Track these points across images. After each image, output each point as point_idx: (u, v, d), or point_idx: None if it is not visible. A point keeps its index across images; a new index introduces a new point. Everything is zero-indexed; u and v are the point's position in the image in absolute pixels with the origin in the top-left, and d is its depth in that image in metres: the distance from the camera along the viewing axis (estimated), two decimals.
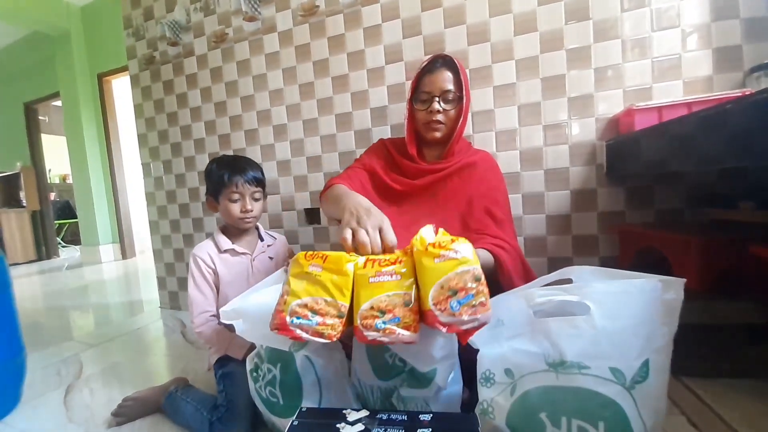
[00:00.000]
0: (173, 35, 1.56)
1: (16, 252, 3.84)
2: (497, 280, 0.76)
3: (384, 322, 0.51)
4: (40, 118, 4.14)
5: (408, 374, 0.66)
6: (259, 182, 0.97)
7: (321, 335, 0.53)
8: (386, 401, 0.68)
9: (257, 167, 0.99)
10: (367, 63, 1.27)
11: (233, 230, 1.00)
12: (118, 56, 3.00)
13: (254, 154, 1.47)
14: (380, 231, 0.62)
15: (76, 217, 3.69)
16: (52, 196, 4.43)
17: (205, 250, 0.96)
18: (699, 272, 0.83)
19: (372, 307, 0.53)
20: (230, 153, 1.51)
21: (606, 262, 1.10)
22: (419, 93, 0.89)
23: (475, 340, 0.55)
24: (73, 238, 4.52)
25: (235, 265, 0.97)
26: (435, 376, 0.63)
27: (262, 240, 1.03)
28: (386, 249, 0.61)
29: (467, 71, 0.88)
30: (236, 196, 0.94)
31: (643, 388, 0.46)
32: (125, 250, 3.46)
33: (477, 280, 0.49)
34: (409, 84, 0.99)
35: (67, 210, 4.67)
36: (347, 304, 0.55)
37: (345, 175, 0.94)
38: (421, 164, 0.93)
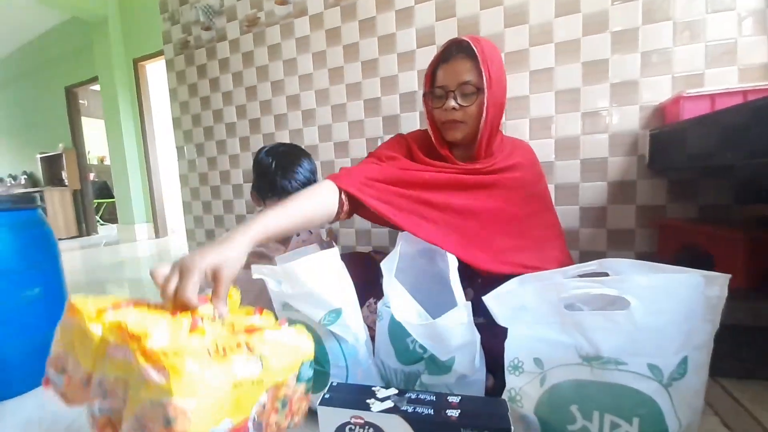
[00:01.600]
0: (207, 19, 1.58)
1: (59, 228, 4.12)
2: None
3: None
4: (80, 101, 4.35)
5: (428, 360, 0.66)
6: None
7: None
8: (409, 385, 0.69)
9: (310, 167, 0.91)
10: (397, 47, 1.25)
11: None
12: (153, 42, 3.09)
13: (283, 139, 1.49)
14: (214, 274, 0.46)
15: (113, 197, 3.90)
16: (91, 176, 4.69)
17: None
18: (746, 271, 0.78)
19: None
20: (260, 138, 1.54)
21: (642, 258, 1.04)
22: (434, 88, 0.77)
23: (497, 314, 0.54)
24: (110, 217, 4.79)
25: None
26: (454, 364, 0.63)
27: (297, 234, 1.04)
28: (177, 305, 0.44)
29: (502, 55, 0.80)
30: None
31: (681, 386, 0.45)
32: (158, 229, 3.64)
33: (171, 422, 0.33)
34: None
35: (104, 190, 4.95)
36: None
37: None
38: (458, 165, 0.79)
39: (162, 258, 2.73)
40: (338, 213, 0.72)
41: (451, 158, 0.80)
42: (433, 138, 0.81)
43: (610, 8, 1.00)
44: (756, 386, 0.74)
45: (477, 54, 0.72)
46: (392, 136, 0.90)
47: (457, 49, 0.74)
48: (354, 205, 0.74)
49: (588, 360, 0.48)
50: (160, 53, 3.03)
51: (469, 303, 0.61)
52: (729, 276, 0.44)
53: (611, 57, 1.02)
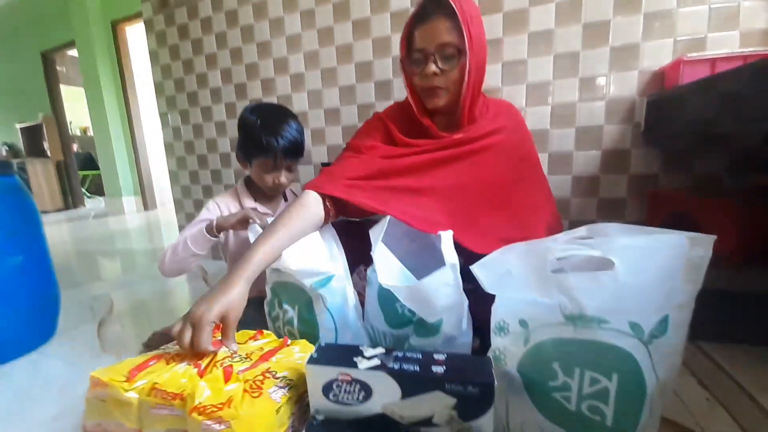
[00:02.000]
0: None
1: (44, 200, 4.02)
2: None
3: None
4: (57, 68, 4.14)
5: (417, 324, 0.67)
6: (298, 151, 0.90)
7: None
8: (397, 348, 0.70)
9: (297, 127, 0.89)
10: (391, 5, 1.18)
11: (258, 188, 0.96)
12: (132, 1, 2.90)
13: None
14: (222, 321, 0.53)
15: (98, 169, 3.80)
16: (75, 147, 4.55)
17: (225, 202, 0.94)
18: (732, 238, 0.79)
19: None
20: (246, 104, 1.48)
21: None
22: (412, 52, 0.72)
23: (484, 282, 0.54)
24: (97, 190, 4.69)
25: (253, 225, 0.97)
26: (442, 326, 0.64)
27: (286, 200, 1.01)
28: (195, 354, 0.51)
29: (481, 20, 0.69)
30: (270, 167, 0.88)
31: (661, 343, 0.46)
32: (147, 202, 3.58)
33: None
34: None
35: (89, 161, 4.81)
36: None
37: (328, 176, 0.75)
38: (440, 137, 0.75)
39: (152, 231, 2.69)
40: (326, 219, 0.72)
41: (433, 128, 0.76)
42: (414, 107, 0.77)
43: None
44: (734, 349, 0.77)
45: (456, 11, 0.66)
46: (369, 118, 0.87)
47: (434, 7, 0.68)
48: (340, 206, 0.73)
49: (571, 319, 0.49)
50: (139, 15, 2.85)
51: (456, 264, 0.61)
52: (714, 237, 0.44)
53: (613, 19, 0.98)
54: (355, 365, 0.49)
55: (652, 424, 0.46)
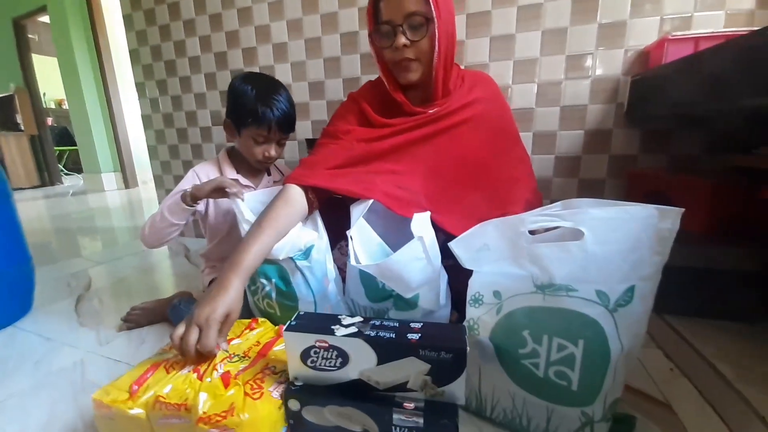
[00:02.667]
0: None
1: (19, 176, 3.86)
2: None
3: None
4: (29, 36, 3.88)
5: (396, 298, 0.68)
6: (291, 125, 0.88)
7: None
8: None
9: (290, 101, 0.86)
10: None
11: (242, 159, 0.93)
12: None
13: None
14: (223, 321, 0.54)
15: (75, 145, 3.64)
16: (50, 121, 4.34)
17: (206, 171, 0.92)
18: (704, 215, 0.81)
19: None
20: (227, 75, 1.42)
21: None
22: (379, 25, 0.69)
23: (462, 259, 0.55)
24: (75, 167, 4.51)
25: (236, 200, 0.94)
26: (419, 300, 0.65)
27: (269, 174, 0.99)
28: (199, 356, 0.53)
29: None
30: (262, 139, 0.85)
31: (626, 312, 0.47)
32: (127, 180, 3.47)
33: None
34: None
35: (66, 137, 4.60)
36: None
37: (311, 163, 0.74)
38: (415, 114, 0.74)
39: (134, 208, 2.63)
40: (310, 210, 0.73)
41: (407, 105, 0.75)
42: (386, 83, 0.75)
43: None
44: (699, 323, 0.81)
45: None
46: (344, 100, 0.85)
47: None
48: (323, 195, 0.74)
49: (542, 288, 0.50)
50: None
51: (425, 237, 0.61)
52: (682, 210, 0.45)
53: None
54: (332, 332, 0.49)
55: (615, 389, 0.48)
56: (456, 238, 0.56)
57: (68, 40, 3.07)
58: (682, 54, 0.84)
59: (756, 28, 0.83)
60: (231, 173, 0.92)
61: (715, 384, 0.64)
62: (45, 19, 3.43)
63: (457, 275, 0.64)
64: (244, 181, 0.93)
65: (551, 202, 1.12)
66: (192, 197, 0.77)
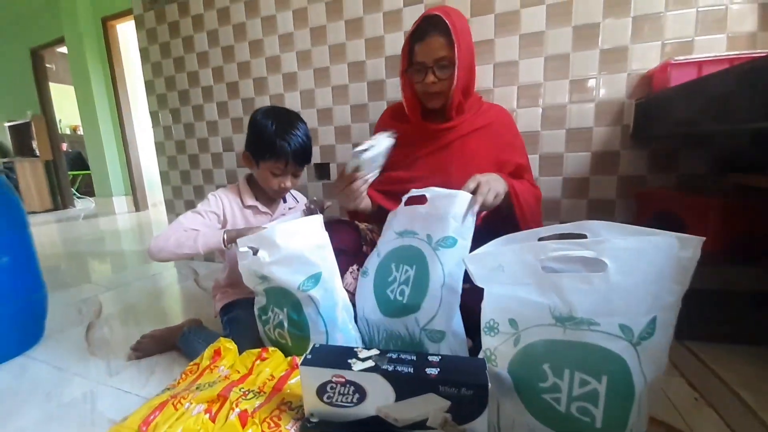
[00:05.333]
0: None
1: (33, 201, 3.94)
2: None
3: None
4: (47, 66, 4.06)
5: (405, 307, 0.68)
6: (307, 158, 0.91)
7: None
8: (389, 343, 0.70)
9: (307, 135, 0.90)
10: (383, 5, 1.18)
11: (261, 187, 0.96)
12: None
13: (263, 104, 1.42)
14: None
15: (88, 169, 3.73)
16: (64, 146, 4.46)
17: (228, 197, 0.94)
18: (716, 236, 0.80)
19: None
20: (238, 103, 1.47)
21: None
22: (413, 64, 0.83)
23: (474, 275, 0.55)
24: (87, 190, 4.61)
25: (252, 223, 0.95)
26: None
27: (284, 201, 1.01)
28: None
29: (469, 29, 0.80)
30: (279, 172, 0.88)
31: (649, 344, 0.46)
32: (138, 203, 3.52)
33: None
34: None
35: (79, 161, 4.72)
36: None
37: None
38: (429, 125, 0.89)
39: (143, 232, 2.66)
40: None
41: (421, 121, 0.89)
42: (407, 109, 0.89)
43: None
44: (720, 348, 0.79)
45: (450, 29, 0.77)
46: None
47: (430, 27, 0.79)
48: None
49: (561, 320, 0.49)
50: (130, 11, 2.81)
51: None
52: (702, 239, 0.44)
53: (603, 21, 0.99)
54: (349, 367, 0.49)
55: (640, 424, 0.46)
56: (470, 254, 0.56)
57: (85, 70, 3.20)
58: (686, 78, 0.85)
59: (760, 51, 0.85)
60: (250, 200, 0.95)
61: (739, 413, 0.61)
62: (62, 49, 3.59)
63: (471, 299, 0.64)
64: (262, 208, 0.96)
65: (560, 223, 1.13)
66: (230, 240, 0.79)
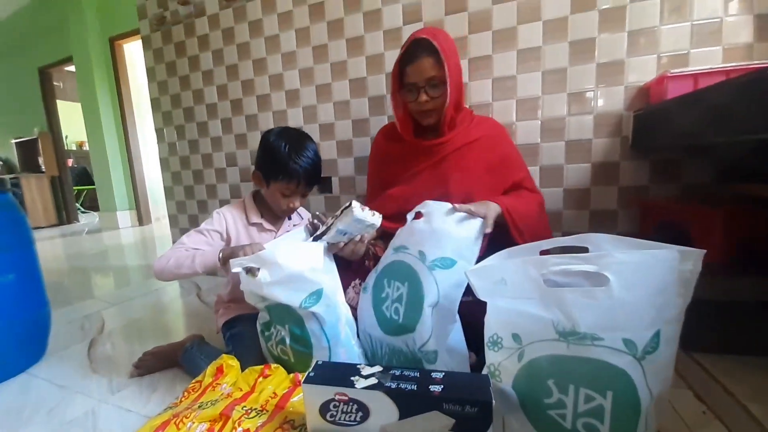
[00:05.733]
0: None
1: (38, 216, 3.98)
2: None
3: None
4: (54, 83, 4.15)
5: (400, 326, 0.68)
6: (317, 180, 0.93)
7: None
8: (392, 358, 0.70)
9: (318, 157, 0.91)
10: (383, 23, 1.21)
11: (266, 204, 0.97)
12: (130, 19, 2.93)
13: (266, 120, 1.45)
14: None
15: (93, 184, 3.77)
16: (70, 162, 4.52)
17: (232, 215, 0.94)
18: (719, 246, 0.80)
19: None
20: (242, 120, 1.49)
21: None
22: (405, 85, 0.87)
23: (477, 288, 0.54)
24: (92, 204, 4.65)
25: (256, 240, 0.95)
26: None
27: (289, 218, 1.02)
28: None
29: (455, 48, 0.85)
30: (289, 193, 0.90)
31: (653, 359, 0.46)
32: (141, 217, 3.55)
33: None
34: None
35: (84, 176, 4.78)
36: None
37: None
38: (423, 142, 0.92)
39: (146, 246, 2.67)
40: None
41: (414, 138, 0.93)
42: (399, 128, 0.93)
43: None
44: (728, 360, 0.77)
45: (438, 50, 0.81)
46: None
47: (419, 49, 0.83)
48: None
49: (564, 335, 0.49)
50: (137, 31, 2.89)
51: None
52: (703, 251, 0.45)
53: (599, 36, 1.01)
54: (352, 384, 0.48)
55: None
56: (472, 268, 0.56)
57: (92, 88, 3.27)
58: (682, 90, 0.86)
59: (757, 62, 0.86)
60: (255, 217, 0.95)
61: (747, 426, 0.60)
62: (70, 68, 3.67)
63: (474, 313, 0.64)
64: (267, 225, 0.97)
65: (562, 234, 1.13)
66: (226, 260, 0.78)
